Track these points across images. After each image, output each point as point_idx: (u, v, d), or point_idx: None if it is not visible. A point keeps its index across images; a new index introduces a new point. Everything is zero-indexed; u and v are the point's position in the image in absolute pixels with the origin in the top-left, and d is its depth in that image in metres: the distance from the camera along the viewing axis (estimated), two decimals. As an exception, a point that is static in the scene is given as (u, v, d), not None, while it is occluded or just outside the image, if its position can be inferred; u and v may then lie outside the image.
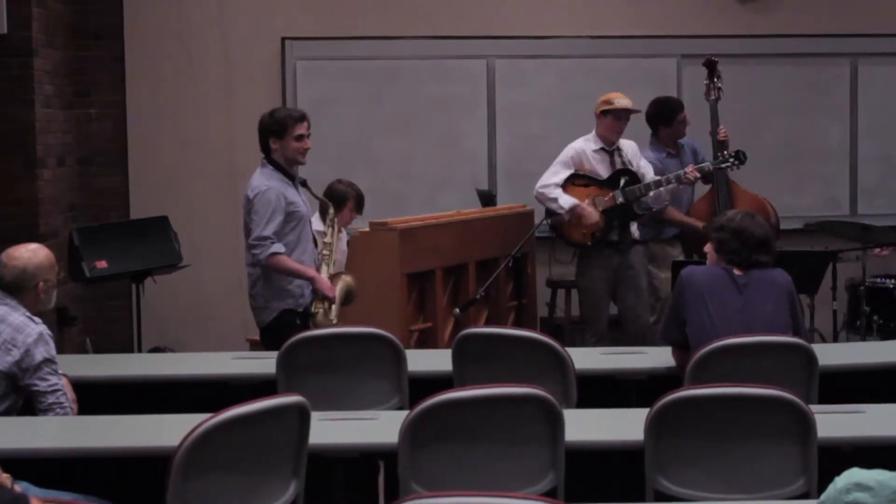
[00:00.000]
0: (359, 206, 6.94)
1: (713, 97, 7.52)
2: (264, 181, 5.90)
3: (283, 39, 8.74)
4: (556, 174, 7.22)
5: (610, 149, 7.22)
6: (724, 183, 7.45)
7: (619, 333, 7.27)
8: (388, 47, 8.77)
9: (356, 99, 8.78)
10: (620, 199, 7.12)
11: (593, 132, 7.27)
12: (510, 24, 8.85)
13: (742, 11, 8.99)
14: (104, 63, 8.66)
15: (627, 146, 7.29)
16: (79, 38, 8.56)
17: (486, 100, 8.87)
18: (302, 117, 5.99)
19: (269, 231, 5.83)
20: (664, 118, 7.60)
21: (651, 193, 7.18)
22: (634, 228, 7.31)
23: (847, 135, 9.04)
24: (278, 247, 5.83)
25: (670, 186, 7.18)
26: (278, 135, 5.94)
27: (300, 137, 5.96)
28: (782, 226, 7.81)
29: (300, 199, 6.00)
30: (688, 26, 8.88)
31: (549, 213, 7.26)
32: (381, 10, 8.80)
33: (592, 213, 7.10)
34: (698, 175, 7.13)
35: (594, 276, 7.23)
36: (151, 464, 3.83)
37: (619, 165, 7.20)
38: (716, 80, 7.54)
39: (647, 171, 7.28)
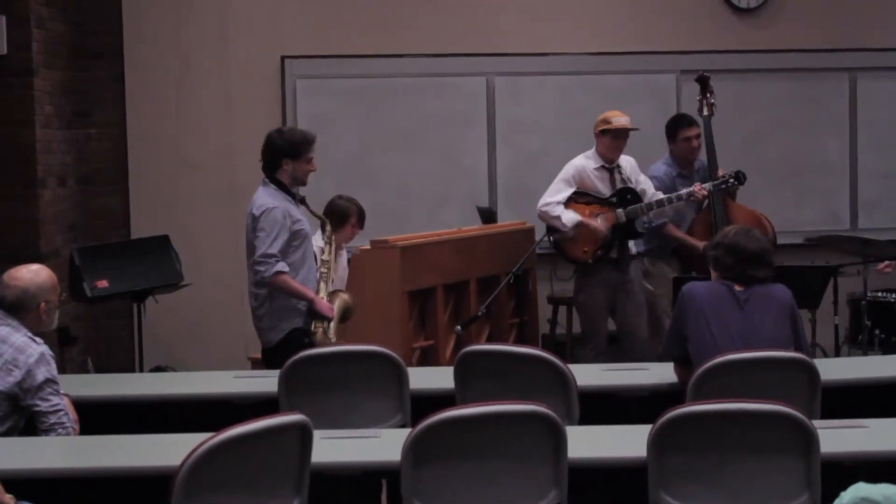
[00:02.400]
0: (360, 221, 6.94)
1: (706, 113, 7.53)
2: (270, 199, 5.89)
3: (283, 58, 8.75)
4: (558, 192, 7.24)
5: (610, 166, 7.26)
6: (719, 199, 7.45)
7: (617, 349, 7.29)
8: (387, 65, 8.78)
9: (356, 117, 8.79)
10: (623, 218, 7.16)
11: (593, 149, 7.29)
12: (509, 42, 8.85)
13: (741, 27, 9.00)
14: (104, 83, 8.67)
15: (626, 162, 7.34)
16: (78, 58, 8.58)
17: (485, 117, 8.87)
18: (314, 140, 6.01)
19: (274, 249, 5.81)
20: (669, 133, 7.64)
21: (652, 213, 7.23)
22: (632, 244, 7.35)
23: (846, 149, 9.04)
24: (282, 265, 5.82)
25: (675, 204, 7.22)
26: (293, 156, 5.93)
27: (310, 160, 5.98)
28: (783, 241, 7.81)
29: (303, 217, 6.01)
30: (687, 42, 8.88)
31: (551, 229, 7.28)
32: (381, 28, 8.81)
33: (599, 227, 7.12)
34: (706, 193, 7.16)
35: (594, 294, 7.26)
36: (153, 484, 3.82)
37: (619, 183, 7.26)
38: (709, 95, 7.55)
39: (647, 186, 7.35)
